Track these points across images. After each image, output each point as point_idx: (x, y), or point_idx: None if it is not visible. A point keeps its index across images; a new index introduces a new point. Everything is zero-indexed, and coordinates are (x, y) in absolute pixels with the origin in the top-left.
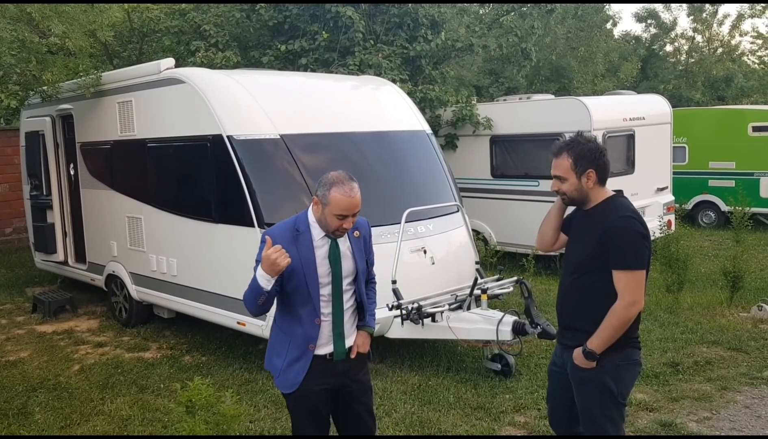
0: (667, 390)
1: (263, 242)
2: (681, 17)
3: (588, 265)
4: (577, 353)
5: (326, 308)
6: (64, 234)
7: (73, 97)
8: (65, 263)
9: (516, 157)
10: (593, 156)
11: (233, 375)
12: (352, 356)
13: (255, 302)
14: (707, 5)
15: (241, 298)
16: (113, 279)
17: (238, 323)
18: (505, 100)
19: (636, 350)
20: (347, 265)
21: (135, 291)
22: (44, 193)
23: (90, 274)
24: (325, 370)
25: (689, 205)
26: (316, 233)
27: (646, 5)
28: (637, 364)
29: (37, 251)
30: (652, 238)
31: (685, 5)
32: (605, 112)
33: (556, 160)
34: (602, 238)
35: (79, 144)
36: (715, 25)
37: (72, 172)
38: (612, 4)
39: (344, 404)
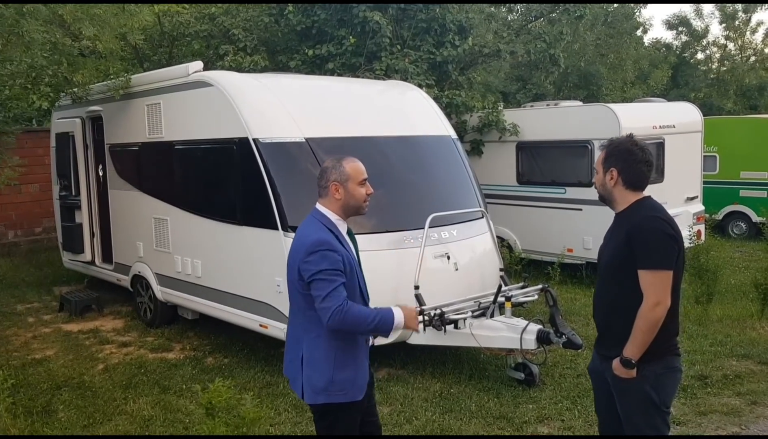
0: (695, 404)
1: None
2: (713, 25)
3: (616, 267)
4: (616, 364)
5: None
6: (92, 234)
7: (103, 99)
8: (92, 262)
9: (542, 164)
10: (622, 157)
11: (255, 378)
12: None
13: (370, 329)
14: (740, 13)
15: (263, 300)
16: (139, 280)
17: (261, 325)
18: (532, 106)
19: (675, 356)
20: None
21: (160, 292)
22: (73, 193)
23: (116, 274)
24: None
25: (720, 216)
26: (342, 229)
27: (678, 12)
28: (677, 371)
29: (65, 251)
30: None
31: (717, 12)
32: (634, 119)
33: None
34: (628, 238)
35: (108, 145)
36: (748, 33)
37: (100, 173)
38: (642, 12)
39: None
